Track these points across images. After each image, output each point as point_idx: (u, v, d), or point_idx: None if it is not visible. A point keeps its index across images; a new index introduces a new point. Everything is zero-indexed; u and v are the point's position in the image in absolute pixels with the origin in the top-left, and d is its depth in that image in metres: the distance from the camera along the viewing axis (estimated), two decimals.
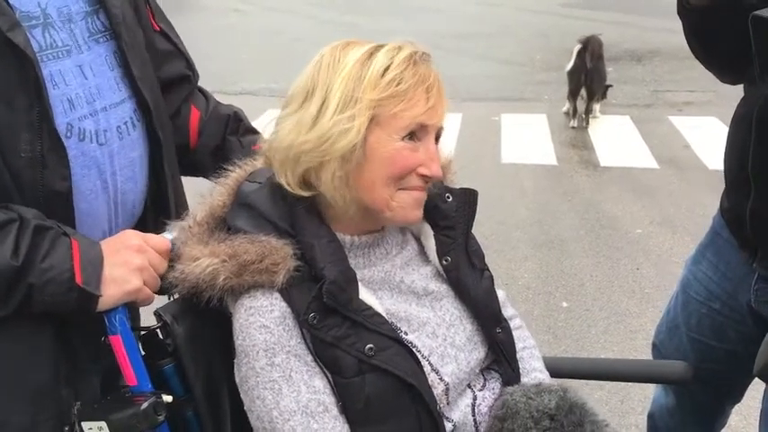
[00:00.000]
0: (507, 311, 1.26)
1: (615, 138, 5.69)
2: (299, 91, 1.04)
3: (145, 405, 0.99)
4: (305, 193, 1.03)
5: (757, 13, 1.07)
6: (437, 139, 1.07)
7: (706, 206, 1.59)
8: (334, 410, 0.99)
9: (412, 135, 1.02)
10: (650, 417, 1.96)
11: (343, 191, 1.02)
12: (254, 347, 0.98)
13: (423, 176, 1.04)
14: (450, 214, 1.16)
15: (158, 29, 1.30)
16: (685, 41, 1.48)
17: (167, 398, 1.03)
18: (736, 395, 1.78)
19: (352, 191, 1.02)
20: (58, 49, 1.04)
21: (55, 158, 1.01)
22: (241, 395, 1.02)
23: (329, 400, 0.99)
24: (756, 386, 1.58)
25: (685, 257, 1.75)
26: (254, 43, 9.62)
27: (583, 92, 5.85)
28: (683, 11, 1.41)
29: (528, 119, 6.22)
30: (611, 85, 6.13)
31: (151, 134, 1.19)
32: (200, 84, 1.44)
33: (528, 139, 5.71)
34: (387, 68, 1.00)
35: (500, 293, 1.26)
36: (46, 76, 1.01)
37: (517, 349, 1.23)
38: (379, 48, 1.03)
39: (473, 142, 5.51)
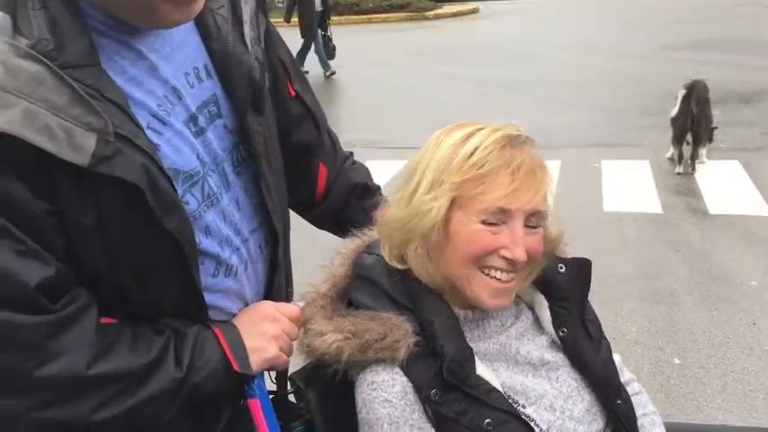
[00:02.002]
0: (624, 376, 1.25)
1: (724, 184, 5.48)
2: (406, 170, 1.11)
3: None
4: (399, 266, 1.09)
5: None
6: (536, 222, 1.07)
7: None
8: None
9: (495, 217, 1.04)
10: None
11: (427, 265, 1.07)
12: (378, 421, 1.02)
13: (505, 259, 1.05)
14: (563, 285, 1.17)
15: (294, 94, 1.30)
16: None
17: None
18: None
19: (433, 265, 1.07)
20: (213, 196, 1.06)
21: (194, 307, 1.05)
22: None
23: None
24: None
25: None
26: (351, 94, 9.91)
27: (688, 137, 5.69)
28: None
29: (630, 164, 6.08)
30: (716, 128, 5.94)
31: (275, 254, 1.21)
32: None
33: (631, 186, 5.58)
34: (474, 151, 1.03)
35: (616, 358, 1.25)
36: (201, 230, 1.04)
37: (637, 416, 1.21)
38: (479, 130, 1.07)
39: (573, 190, 5.43)
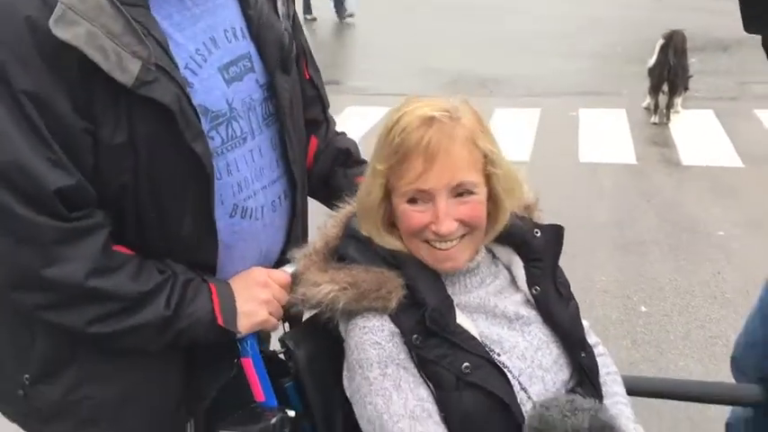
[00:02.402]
0: (591, 339, 1.36)
1: (698, 134, 5.61)
2: None
3: (274, 420, 1.16)
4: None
5: None
6: (465, 191, 1.15)
7: None
8: (437, 417, 1.13)
9: (418, 196, 1.15)
10: (728, 425, 2.02)
11: (389, 239, 1.20)
12: (368, 360, 1.13)
13: (435, 233, 1.16)
14: (538, 248, 1.28)
15: (308, 77, 1.44)
16: None
17: (291, 413, 1.19)
18: None
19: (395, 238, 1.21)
20: (237, 138, 1.19)
21: (207, 240, 1.17)
22: (352, 403, 1.17)
23: (432, 408, 1.13)
24: None
25: None
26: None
27: (664, 87, 5.78)
28: None
29: (607, 113, 6.18)
30: (691, 76, 6.02)
31: (293, 205, 1.34)
32: None
33: (607, 135, 5.69)
34: (395, 136, 1.13)
35: (584, 323, 1.37)
36: (222, 167, 1.17)
37: (601, 374, 1.33)
38: (415, 108, 1.15)
39: (551, 139, 5.54)
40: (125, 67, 1.01)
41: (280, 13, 1.27)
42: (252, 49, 1.23)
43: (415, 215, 1.16)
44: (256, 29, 1.23)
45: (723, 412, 2.08)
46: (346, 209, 1.29)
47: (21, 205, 1.00)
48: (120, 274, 1.08)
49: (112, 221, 1.10)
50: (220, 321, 1.14)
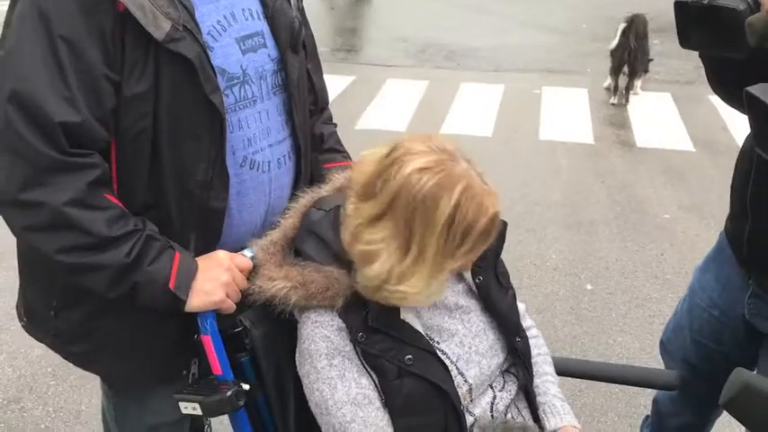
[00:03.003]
0: (526, 322, 1.49)
1: (654, 117, 5.78)
2: (387, 219, 1.17)
3: (229, 393, 1.26)
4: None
5: (749, 89, 1.25)
6: None
7: None
8: (377, 403, 1.24)
9: None
10: (655, 401, 2.19)
11: None
12: (318, 351, 1.23)
13: None
14: None
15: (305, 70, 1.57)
16: None
17: (245, 386, 1.29)
18: None
19: None
20: (248, 99, 1.35)
21: (219, 185, 1.31)
22: (303, 385, 1.28)
23: (373, 395, 1.24)
24: None
25: (709, 245, 1.90)
26: None
27: (625, 69, 5.93)
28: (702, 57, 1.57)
29: (569, 92, 6.31)
30: (652, 59, 6.17)
31: (298, 166, 1.49)
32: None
33: (567, 115, 5.83)
34: (466, 236, 1.16)
35: (520, 306, 1.49)
36: (234, 122, 1.33)
37: (533, 355, 1.46)
38: (462, 195, 1.14)
39: (513, 116, 5.65)
40: (158, 25, 1.17)
41: (292, 3, 1.45)
42: (265, 29, 1.39)
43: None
44: (271, 12, 1.40)
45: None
46: (304, 199, 1.36)
47: (26, 128, 1.13)
48: (97, 214, 1.19)
49: (131, 168, 1.24)
50: (171, 285, 1.23)
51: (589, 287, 3.49)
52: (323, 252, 1.27)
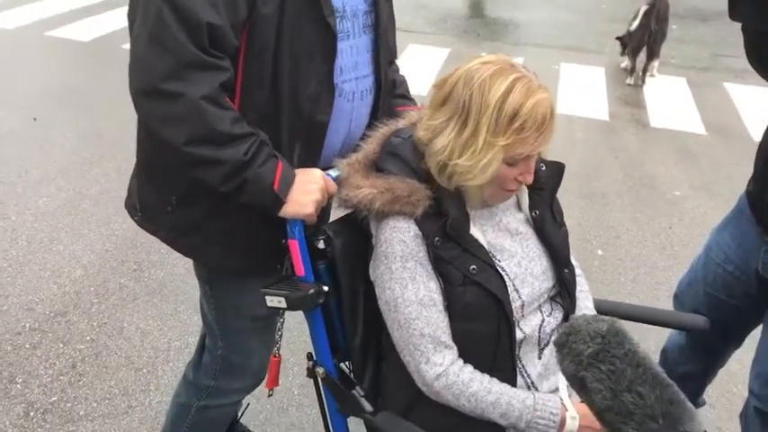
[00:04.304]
0: (573, 262, 1.65)
1: (668, 100, 5.91)
2: (451, 105, 1.37)
3: (311, 291, 1.42)
4: (449, 185, 1.41)
5: None
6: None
7: (743, 176, 1.83)
8: (441, 306, 1.41)
9: (518, 159, 1.37)
10: (663, 351, 2.37)
11: (474, 193, 1.43)
12: (393, 254, 1.40)
13: (518, 181, 1.41)
14: (542, 179, 1.55)
15: None
16: None
17: (325, 288, 1.46)
18: (737, 341, 2.16)
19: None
20: (344, 33, 1.49)
21: (325, 100, 1.47)
22: (375, 286, 1.45)
23: (438, 299, 1.41)
24: (755, 341, 1.96)
25: (716, 222, 2.08)
26: None
27: (643, 51, 6.05)
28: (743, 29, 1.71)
29: (586, 70, 6.43)
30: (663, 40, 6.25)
31: (376, 100, 1.63)
32: None
33: (584, 91, 5.95)
34: (515, 116, 1.31)
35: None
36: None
37: (576, 290, 1.63)
38: (515, 83, 1.32)
39: None
40: None
41: None
42: None
43: (511, 172, 1.38)
44: None
45: (657, 344, 2.43)
46: (384, 128, 1.53)
47: (177, 24, 1.27)
48: (225, 113, 1.34)
49: (255, 80, 1.39)
50: (276, 187, 1.39)
51: (600, 252, 3.67)
52: (405, 168, 1.43)
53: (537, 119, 1.32)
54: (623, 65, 6.37)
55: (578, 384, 1.19)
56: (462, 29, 7.60)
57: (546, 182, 1.56)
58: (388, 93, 1.74)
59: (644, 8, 5.99)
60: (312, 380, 1.57)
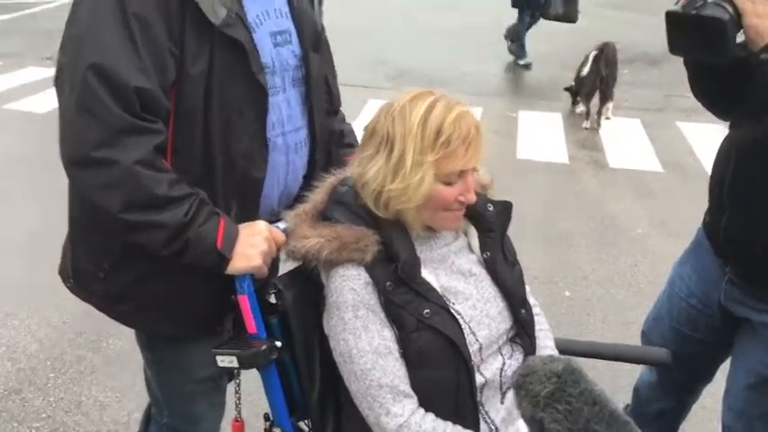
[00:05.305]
0: (531, 300, 1.63)
1: (624, 140, 6.02)
2: (377, 136, 1.39)
3: (264, 347, 1.38)
4: (381, 214, 1.41)
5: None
6: (474, 169, 1.41)
7: (702, 211, 1.86)
8: (396, 354, 1.37)
9: (453, 178, 1.38)
10: (635, 389, 2.34)
11: (414, 216, 1.41)
12: (345, 303, 1.36)
13: (460, 202, 1.41)
14: (490, 220, 1.53)
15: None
16: None
17: (278, 343, 1.41)
18: (707, 375, 2.14)
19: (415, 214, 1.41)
20: (275, 88, 1.49)
21: (259, 156, 1.45)
22: (329, 338, 1.41)
23: (393, 346, 1.37)
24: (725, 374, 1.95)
25: (679, 257, 2.07)
26: None
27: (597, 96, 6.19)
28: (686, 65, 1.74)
29: (544, 116, 6.55)
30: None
31: (312, 151, 1.63)
32: None
33: (543, 137, 6.04)
34: (439, 130, 1.33)
35: (527, 288, 1.63)
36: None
37: (536, 330, 1.60)
38: (435, 103, 1.36)
39: (491, 138, 5.79)
40: (216, 11, 1.33)
41: (315, 7, 1.63)
42: (292, 28, 1.54)
43: (451, 192, 1.39)
44: (297, 13, 1.55)
45: (630, 383, 2.40)
46: (331, 179, 1.52)
47: (104, 92, 1.25)
48: (161, 175, 1.32)
49: (186, 141, 1.37)
50: (219, 245, 1.36)
51: (567, 294, 3.66)
52: (351, 216, 1.42)
53: (461, 131, 1.34)
54: (578, 110, 6.50)
55: (537, 427, 1.15)
56: (420, 83, 7.72)
57: (494, 222, 1.54)
58: (337, 143, 1.73)
59: (593, 53, 6.15)
60: None
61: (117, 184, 1.28)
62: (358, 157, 1.44)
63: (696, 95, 1.80)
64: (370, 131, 1.42)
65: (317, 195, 1.49)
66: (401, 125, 1.35)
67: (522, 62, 8.28)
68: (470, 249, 1.54)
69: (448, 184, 1.38)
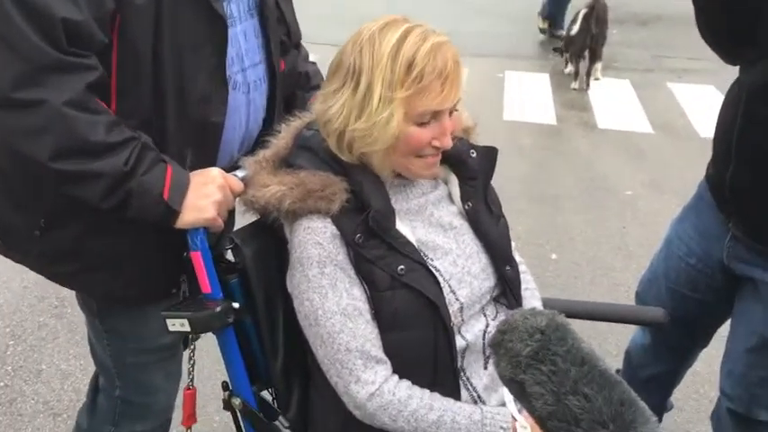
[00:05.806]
0: (517, 257, 1.48)
1: (614, 101, 5.87)
2: (342, 69, 1.22)
3: (219, 308, 1.23)
4: (345, 157, 1.25)
5: None
6: (452, 110, 1.25)
7: (694, 172, 1.75)
8: (368, 316, 1.23)
9: (427, 117, 1.21)
10: (627, 353, 2.23)
11: (383, 160, 1.25)
12: (309, 259, 1.21)
13: (435, 147, 1.24)
14: (473, 167, 1.38)
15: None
16: (691, 6, 1.61)
17: (235, 304, 1.26)
18: (704, 339, 2.03)
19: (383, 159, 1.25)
20: (231, 18, 1.32)
21: (218, 98, 1.28)
22: (292, 298, 1.26)
23: (364, 307, 1.22)
24: (721, 341, 1.84)
25: (669, 219, 1.96)
26: None
27: (586, 54, 6.02)
28: None
29: (531, 77, 6.38)
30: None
31: (272, 90, 1.47)
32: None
33: (530, 97, 5.88)
34: (411, 64, 1.17)
35: (512, 244, 1.48)
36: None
37: (522, 289, 1.46)
38: (409, 32, 1.19)
39: (477, 98, 5.67)
40: None
41: None
42: None
43: (423, 134, 1.22)
44: None
45: (618, 347, 2.29)
46: (296, 122, 1.35)
47: (26, 22, 1.06)
48: (97, 117, 1.14)
49: (133, 79, 1.19)
50: (166, 195, 1.20)
51: (554, 257, 3.53)
52: (316, 162, 1.26)
53: (437, 64, 1.17)
54: (567, 70, 6.33)
55: (517, 389, 1.00)
56: None
57: (477, 169, 1.38)
58: (302, 86, 1.57)
59: (583, 12, 5.96)
60: (230, 412, 1.36)
61: (44, 128, 1.11)
62: (322, 92, 1.27)
63: (702, 32, 1.65)
64: (336, 64, 1.25)
65: (281, 140, 1.32)
66: (369, 56, 1.18)
67: (557, 33, 7.73)
68: (451, 200, 1.39)
69: (421, 125, 1.21)
